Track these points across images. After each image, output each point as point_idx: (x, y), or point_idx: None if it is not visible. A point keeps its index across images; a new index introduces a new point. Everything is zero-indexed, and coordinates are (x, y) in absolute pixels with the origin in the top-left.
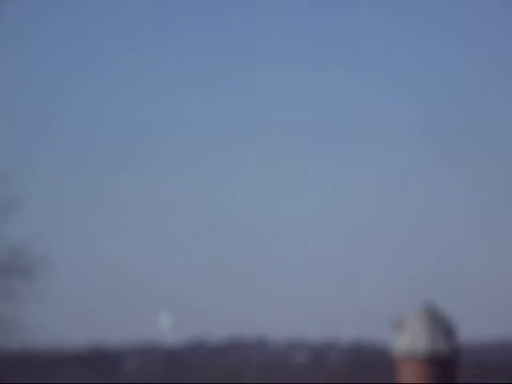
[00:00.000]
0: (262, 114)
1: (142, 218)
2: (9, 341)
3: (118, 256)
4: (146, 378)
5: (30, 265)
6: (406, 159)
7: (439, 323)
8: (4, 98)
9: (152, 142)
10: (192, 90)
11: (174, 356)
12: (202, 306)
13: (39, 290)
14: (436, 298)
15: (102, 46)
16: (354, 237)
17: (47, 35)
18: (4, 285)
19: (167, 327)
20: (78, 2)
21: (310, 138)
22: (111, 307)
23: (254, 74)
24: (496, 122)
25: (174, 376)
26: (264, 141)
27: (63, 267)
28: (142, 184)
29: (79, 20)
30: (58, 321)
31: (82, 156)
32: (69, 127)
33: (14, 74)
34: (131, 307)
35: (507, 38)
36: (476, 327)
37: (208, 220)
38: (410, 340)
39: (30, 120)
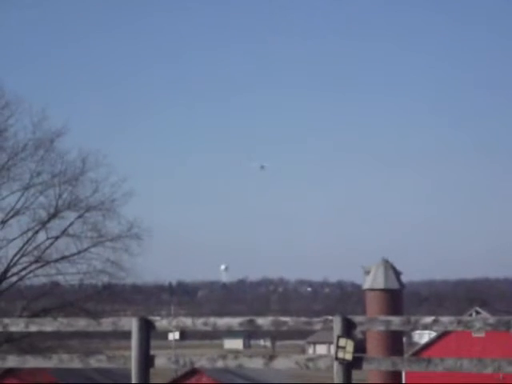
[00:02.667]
0: None
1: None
2: (125, 278)
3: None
4: (211, 302)
5: (140, 232)
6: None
7: (390, 269)
8: None
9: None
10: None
11: (228, 288)
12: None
13: (145, 248)
14: (392, 254)
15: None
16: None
17: None
18: (124, 245)
19: (224, 269)
20: None
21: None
22: (190, 256)
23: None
24: None
25: (229, 301)
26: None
27: (163, 232)
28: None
29: None
30: (158, 264)
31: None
32: None
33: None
34: (203, 255)
35: None
36: (417, 270)
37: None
38: (373, 279)
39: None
